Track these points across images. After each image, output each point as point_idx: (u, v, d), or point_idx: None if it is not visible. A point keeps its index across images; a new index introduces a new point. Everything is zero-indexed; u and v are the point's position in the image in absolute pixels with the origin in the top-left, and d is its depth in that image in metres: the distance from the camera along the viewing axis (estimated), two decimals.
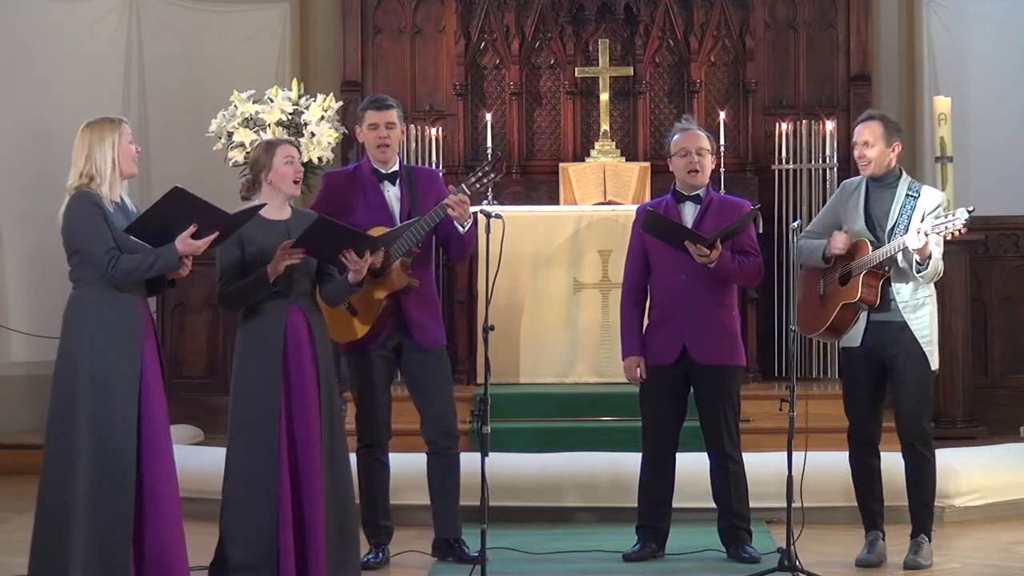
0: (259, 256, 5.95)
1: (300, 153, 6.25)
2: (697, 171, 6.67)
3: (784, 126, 10.03)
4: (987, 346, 9.68)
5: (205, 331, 9.83)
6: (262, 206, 5.94)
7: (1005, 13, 10.37)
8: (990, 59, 10.37)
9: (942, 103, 9.36)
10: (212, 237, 5.60)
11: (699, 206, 6.70)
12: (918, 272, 6.33)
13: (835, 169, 9.90)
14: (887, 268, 6.40)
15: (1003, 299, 9.77)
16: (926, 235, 6.20)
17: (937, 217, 6.31)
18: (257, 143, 6.43)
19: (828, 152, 9.96)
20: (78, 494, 5.53)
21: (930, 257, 6.29)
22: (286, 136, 9.33)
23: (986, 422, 9.25)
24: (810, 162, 10.01)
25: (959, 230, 6.20)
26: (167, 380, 5.88)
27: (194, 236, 5.55)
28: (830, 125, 9.96)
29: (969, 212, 6.17)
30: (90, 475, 5.53)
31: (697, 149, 6.67)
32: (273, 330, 5.94)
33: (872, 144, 6.49)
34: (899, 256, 6.35)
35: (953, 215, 6.21)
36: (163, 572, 5.64)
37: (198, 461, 7.61)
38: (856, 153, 6.53)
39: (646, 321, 6.78)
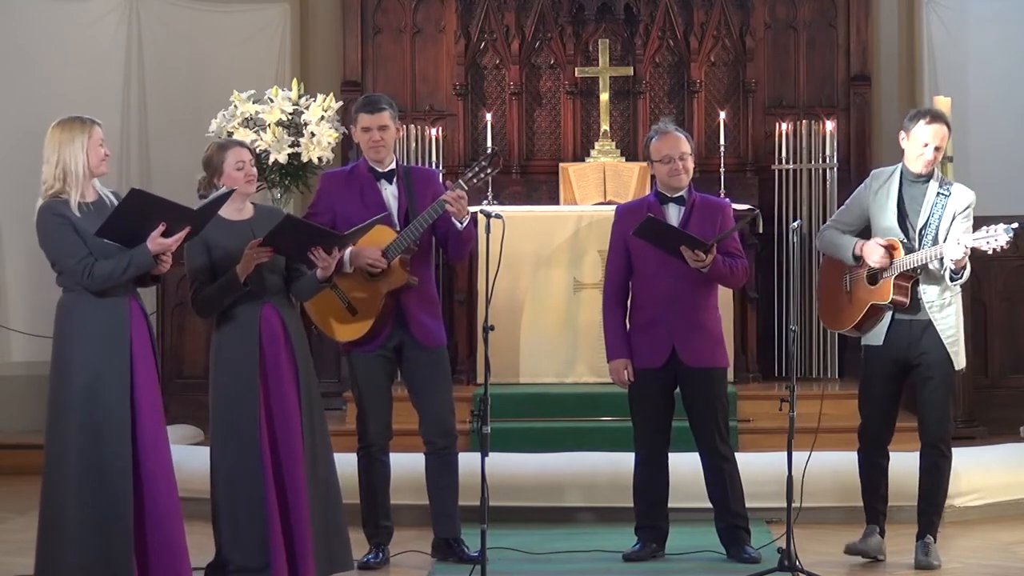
0: (226, 259, 5.91)
1: (254, 155, 6.16)
2: (681, 175, 6.64)
3: (784, 126, 10.02)
4: (987, 346, 9.67)
5: (205, 331, 9.72)
6: (230, 193, 5.84)
7: (1005, 13, 10.36)
8: (990, 59, 10.36)
9: (942, 103, 9.34)
10: (183, 233, 5.58)
11: (683, 207, 6.65)
12: (952, 280, 6.31)
13: (835, 169, 9.89)
14: (918, 271, 6.38)
15: (1003, 299, 9.77)
16: (968, 248, 6.19)
17: (979, 229, 6.25)
18: (211, 143, 6.32)
19: (828, 152, 9.93)
20: (71, 498, 5.51)
21: (965, 267, 6.28)
22: (286, 136, 9.34)
23: (986, 422, 9.25)
24: (810, 162, 9.99)
25: (1001, 247, 6.19)
26: (165, 378, 5.86)
27: (165, 234, 5.55)
28: (830, 125, 9.95)
29: (1013, 229, 6.15)
30: (83, 479, 5.52)
31: (680, 155, 6.61)
32: (248, 330, 5.92)
33: (942, 147, 6.44)
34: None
35: (995, 230, 6.18)
36: (168, 573, 5.64)
37: (198, 461, 7.57)
38: (928, 156, 6.37)
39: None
